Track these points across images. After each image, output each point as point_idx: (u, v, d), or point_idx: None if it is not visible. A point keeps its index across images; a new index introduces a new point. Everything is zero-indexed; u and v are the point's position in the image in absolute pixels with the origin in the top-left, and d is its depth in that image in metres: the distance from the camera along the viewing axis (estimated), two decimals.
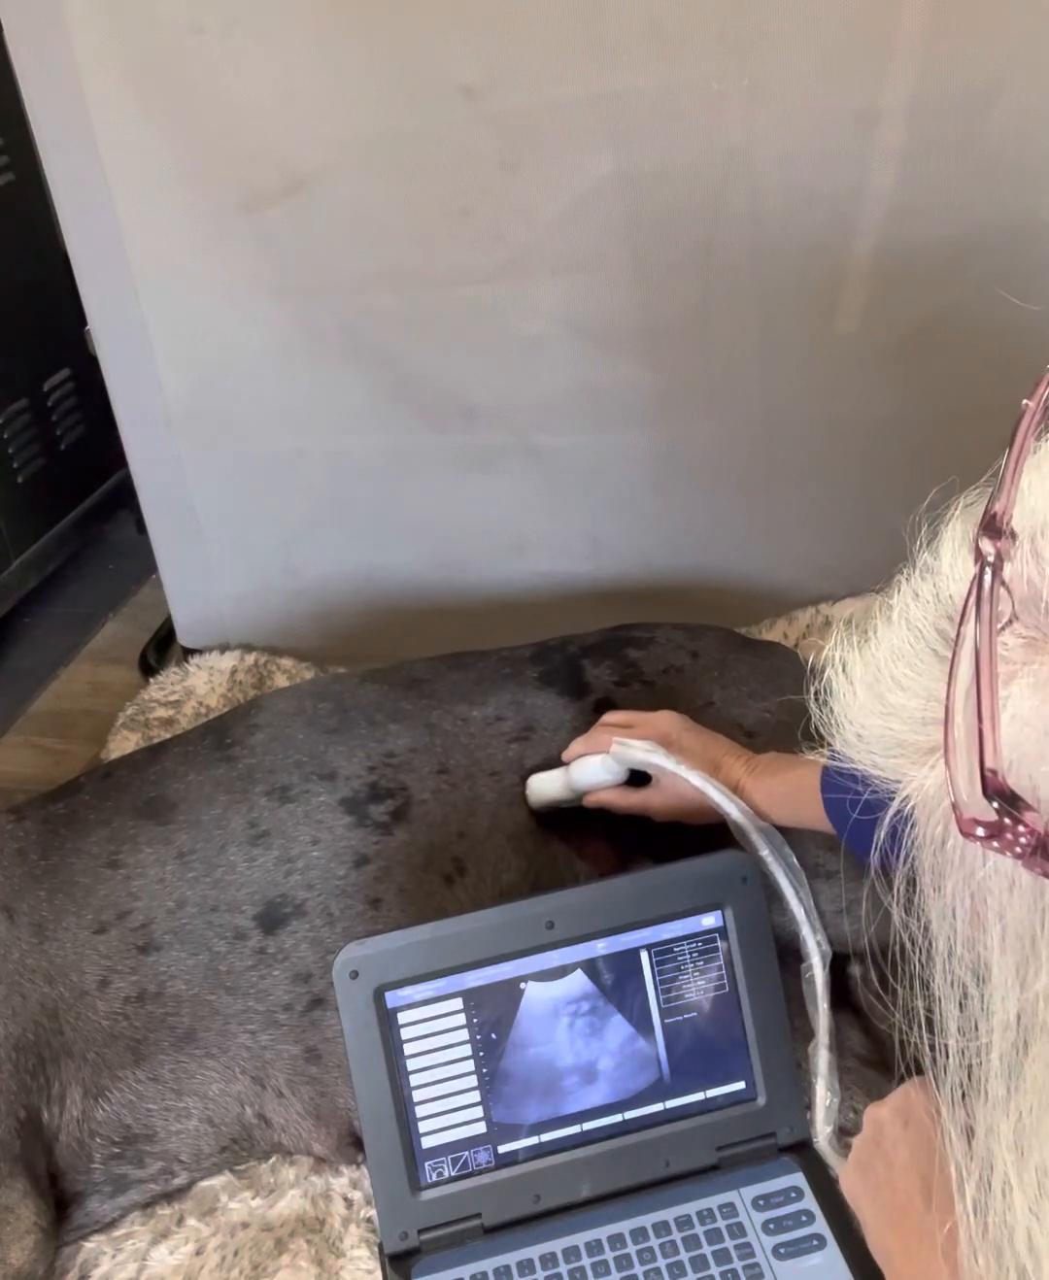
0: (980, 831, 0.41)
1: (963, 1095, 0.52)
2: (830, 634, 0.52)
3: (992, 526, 0.44)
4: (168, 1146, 1.00)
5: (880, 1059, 1.02)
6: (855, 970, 1.06)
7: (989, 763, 0.41)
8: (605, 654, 1.24)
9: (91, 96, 1.28)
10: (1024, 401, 0.49)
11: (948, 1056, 0.52)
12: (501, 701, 1.19)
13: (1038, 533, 0.44)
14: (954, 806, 0.42)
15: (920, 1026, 0.53)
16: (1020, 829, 0.41)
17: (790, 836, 1.01)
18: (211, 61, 1.24)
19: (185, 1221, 1.00)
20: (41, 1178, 0.97)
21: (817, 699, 0.51)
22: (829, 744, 0.51)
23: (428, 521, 1.58)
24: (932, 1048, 0.52)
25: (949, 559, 0.48)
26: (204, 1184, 1.03)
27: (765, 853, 0.98)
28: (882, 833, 0.49)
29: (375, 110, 1.26)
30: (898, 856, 0.50)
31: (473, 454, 1.51)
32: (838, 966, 1.04)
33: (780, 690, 1.15)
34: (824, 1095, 0.95)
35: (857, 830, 0.75)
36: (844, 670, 0.50)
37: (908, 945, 0.51)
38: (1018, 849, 0.41)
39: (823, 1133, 0.94)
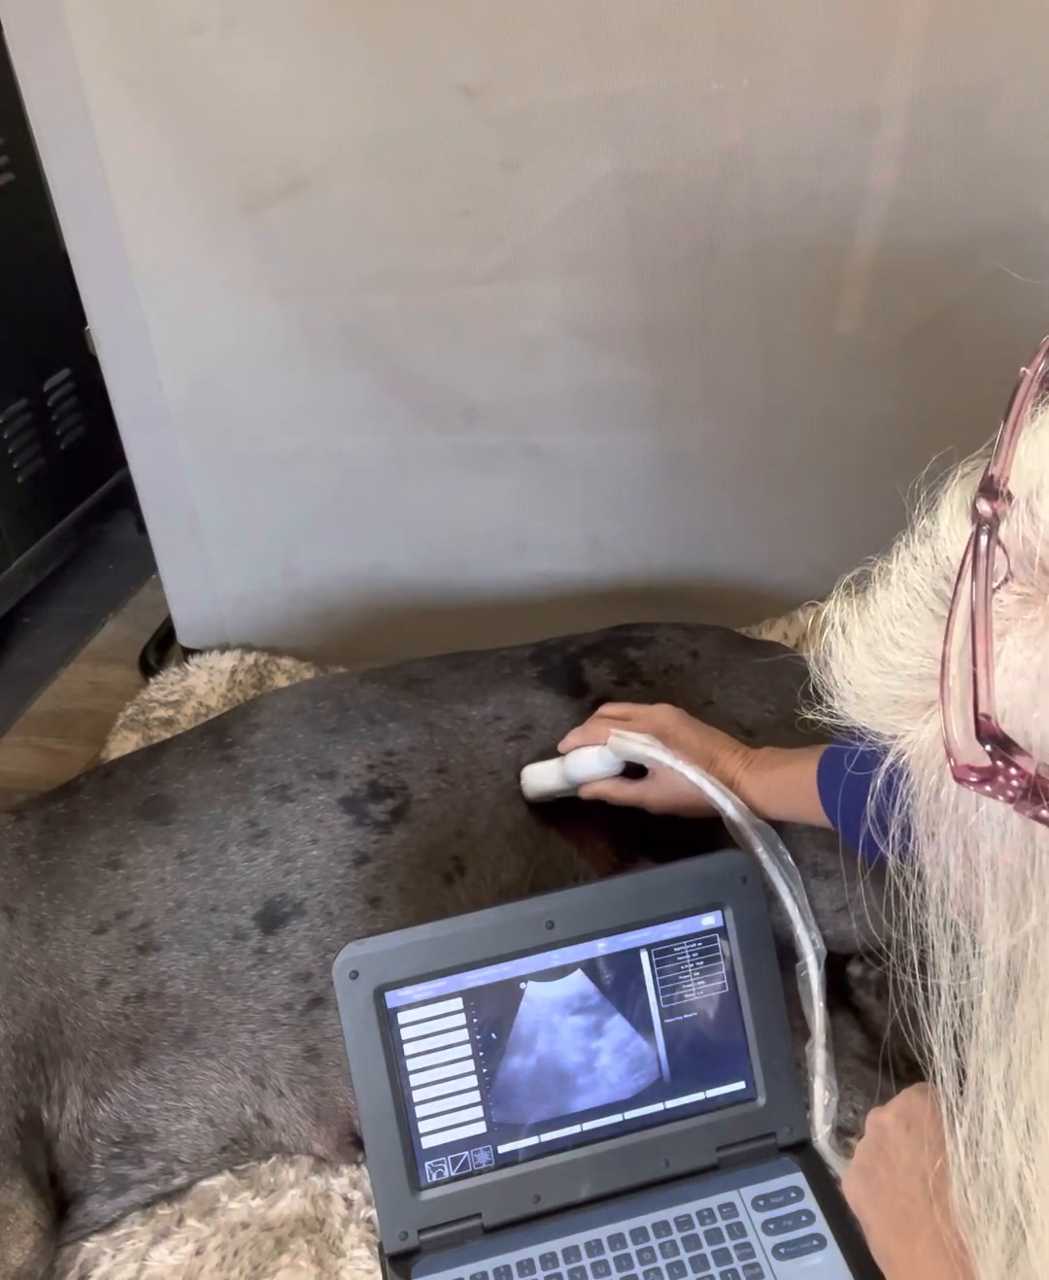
0: (974, 777, 0.43)
1: (955, 1037, 0.53)
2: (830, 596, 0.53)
3: (989, 489, 0.46)
4: (168, 1146, 1.00)
5: (882, 1059, 1.02)
6: (855, 970, 1.06)
7: (983, 708, 0.43)
8: (605, 654, 1.24)
9: (91, 96, 1.28)
10: (1022, 369, 0.50)
11: (940, 998, 0.53)
12: (501, 701, 1.19)
13: (1033, 494, 0.45)
14: (948, 754, 0.44)
15: (913, 969, 0.54)
16: (1012, 772, 0.42)
17: (788, 836, 1.01)
18: (211, 61, 1.24)
19: (185, 1221, 1.00)
20: (41, 1177, 0.97)
21: (817, 661, 0.52)
22: (826, 704, 0.52)
23: (428, 521, 1.58)
24: (925, 989, 0.53)
25: (947, 523, 0.49)
26: (204, 1184, 1.03)
27: (760, 850, 0.98)
28: (878, 781, 0.50)
29: (375, 110, 1.26)
30: (893, 807, 0.51)
31: (473, 454, 1.51)
32: (838, 966, 1.04)
33: (780, 690, 1.15)
34: (822, 1093, 0.95)
35: (850, 819, 0.76)
36: (843, 632, 0.51)
37: (902, 891, 0.53)
38: (1010, 793, 0.42)
39: (822, 1131, 0.94)
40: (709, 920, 0.94)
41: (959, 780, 0.43)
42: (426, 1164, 0.91)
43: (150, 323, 1.43)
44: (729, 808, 0.99)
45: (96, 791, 1.14)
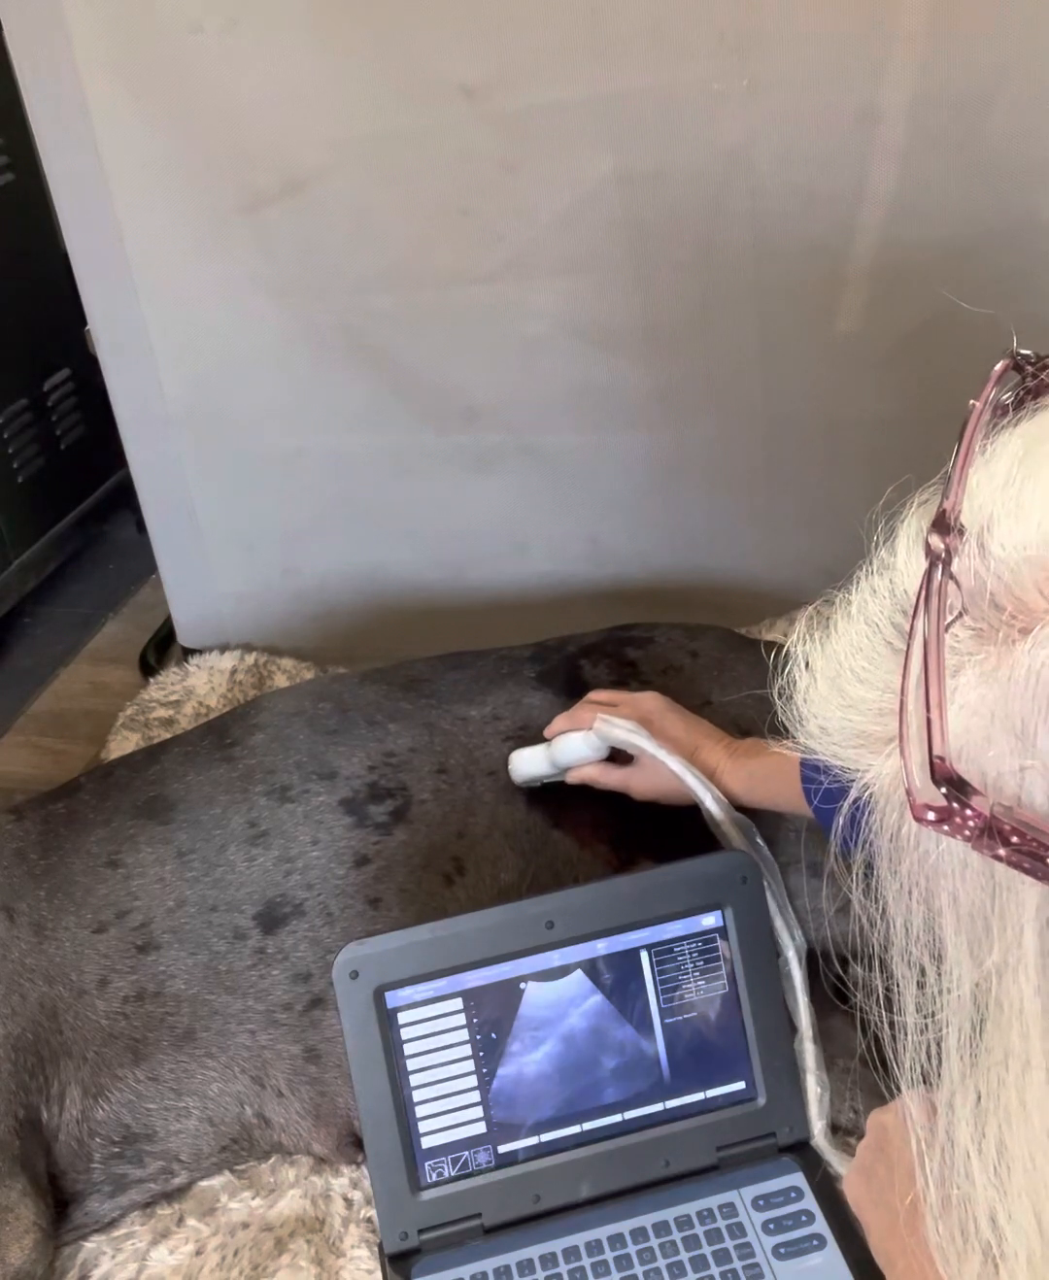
0: (931, 816, 0.43)
1: (922, 1073, 0.53)
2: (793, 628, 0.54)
3: (941, 523, 0.45)
4: (167, 1146, 1.00)
5: (883, 1060, 1.02)
6: (858, 971, 1.06)
7: (937, 750, 0.43)
8: (604, 654, 1.24)
9: (91, 96, 1.28)
10: (971, 401, 0.50)
11: (907, 1035, 0.53)
12: (500, 701, 1.19)
13: (984, 529, 0.45)
14: (908, 793, 0.44)
15: (880, 1005, 0.54)
16: (968, 813, 0.42)
17: (787, 835, 1.01)
18: (211, 61, 1.24)
19: (185, 1221, 1.00)
20: (41, 1177, 0.97)
21: (780, 694, 0.52)
22: (794, 737, 0.52)
23: (428, 521, 1.58)
24: (891, 1026, 0.53)
25: (904, 555, 0.49)
26: (204, 1184, 1.03)
27: (736, 845, 0.98)
28: (842, 820, 0.50)
29: (375, 110, 1.26)
30: (857, 843, 0.51)
31: (473, 454, 1.51)
32: (840, 968, 1.04)
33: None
34: (814, 1088, 0.95)
35: (832, 815, 0.76)
36: (807, 665, 0.51)
37: (867, 927, 0.53)
38: (967, 832, 0.42)
39: (817, 1126, 0.94)
40: (709, 920, 0.94)
41: (918, 819, 0.43)
42: (426, 1164, 0.91)
43: (150, 323, 1.43)
44: (706, 798, 0.99)
45: (96, 791, 1.14)
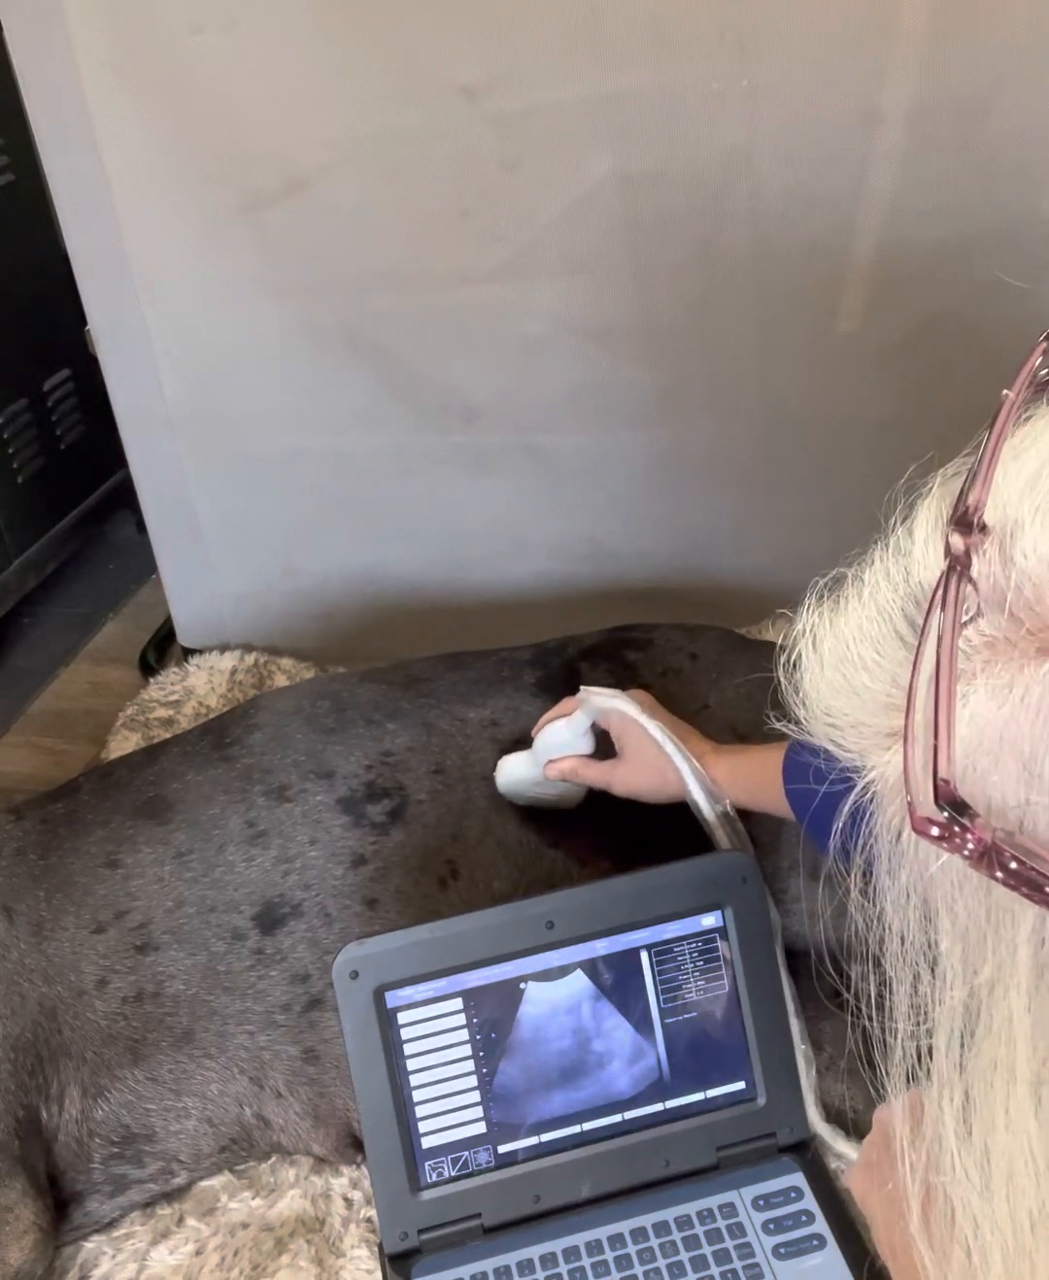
0: (933, 830, 0.42)
1: (910, 1073, 0.53)
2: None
3: (964, 521, 0.44)
4: (167, 1146, 1.00)
5: (871, 1061, 1.02)
6: (857, 972, 1.06)
7: (942, 772, 0.42)
8: (603, 656, 1.24)
9: (91, 96, 1.28)
10: (1004, 392, 0.49)
11: (898, 1038, 0.53)
12: (498, 705, 1.18)
13: (1008, 534, 0.44)
14: (910, 805, 0.43)
15: (870, 1008, 0.54)
16: (969, 835, 0.41)
17: (788, 836, 1.00)
18: (211, 61, 1.24)
19: (185, 1221, 1.00)
20: (41, 1177, 0.97)
21: (786, 672, 0.51)
22: (795, 720, 0.51)
23: (428, 521, 1.58)
24: (883, 1029, 0.53)
25: (922, 541, 0.48)
26: (204, 1184, 1.03)
27: (721, 833, 0.98)
28: (842, 818, 0.50)
29: (375, 110, 1.26)
30: (857, 841, 0.50)
31: (473, 454, 1.51)
32: (837, 968, 1.04)
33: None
34: (800, 1062, 0.95)
35: (817, 818, 0.76)
36: (814, 645, 0.50)
37: (863, 928, 0.52)
38: (966, 852, 0.42)
39: (809, 1105, 0.94)
40: (709, 920, 0.94)
41: (918, 831, 0.43)
42: (426, 1164, 0.90)
43: (150, 323, 1.43)
44: (687, 771, 0.97)
45: (96, 791, 1.14)
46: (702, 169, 1.25)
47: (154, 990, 1.01)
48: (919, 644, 0.45)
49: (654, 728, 0.99)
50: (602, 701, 1.02)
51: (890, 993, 0.52)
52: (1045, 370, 0.50)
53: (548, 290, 1.37)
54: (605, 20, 1.18)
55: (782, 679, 0.51)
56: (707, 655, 1.24)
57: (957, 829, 0.42)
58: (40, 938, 1.02)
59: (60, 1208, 0.99)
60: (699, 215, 1.29)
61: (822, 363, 1.40)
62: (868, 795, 0.49)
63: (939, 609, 0.43)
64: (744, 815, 1.00)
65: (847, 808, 0.50)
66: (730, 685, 1.19)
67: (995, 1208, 0.49)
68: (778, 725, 0.53)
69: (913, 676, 0.44)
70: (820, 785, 0.52)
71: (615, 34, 1.18)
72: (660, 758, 0.99)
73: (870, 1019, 0.54)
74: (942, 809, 0.42)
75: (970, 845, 0.41)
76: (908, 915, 0.49)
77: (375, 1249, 0.94)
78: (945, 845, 0.42)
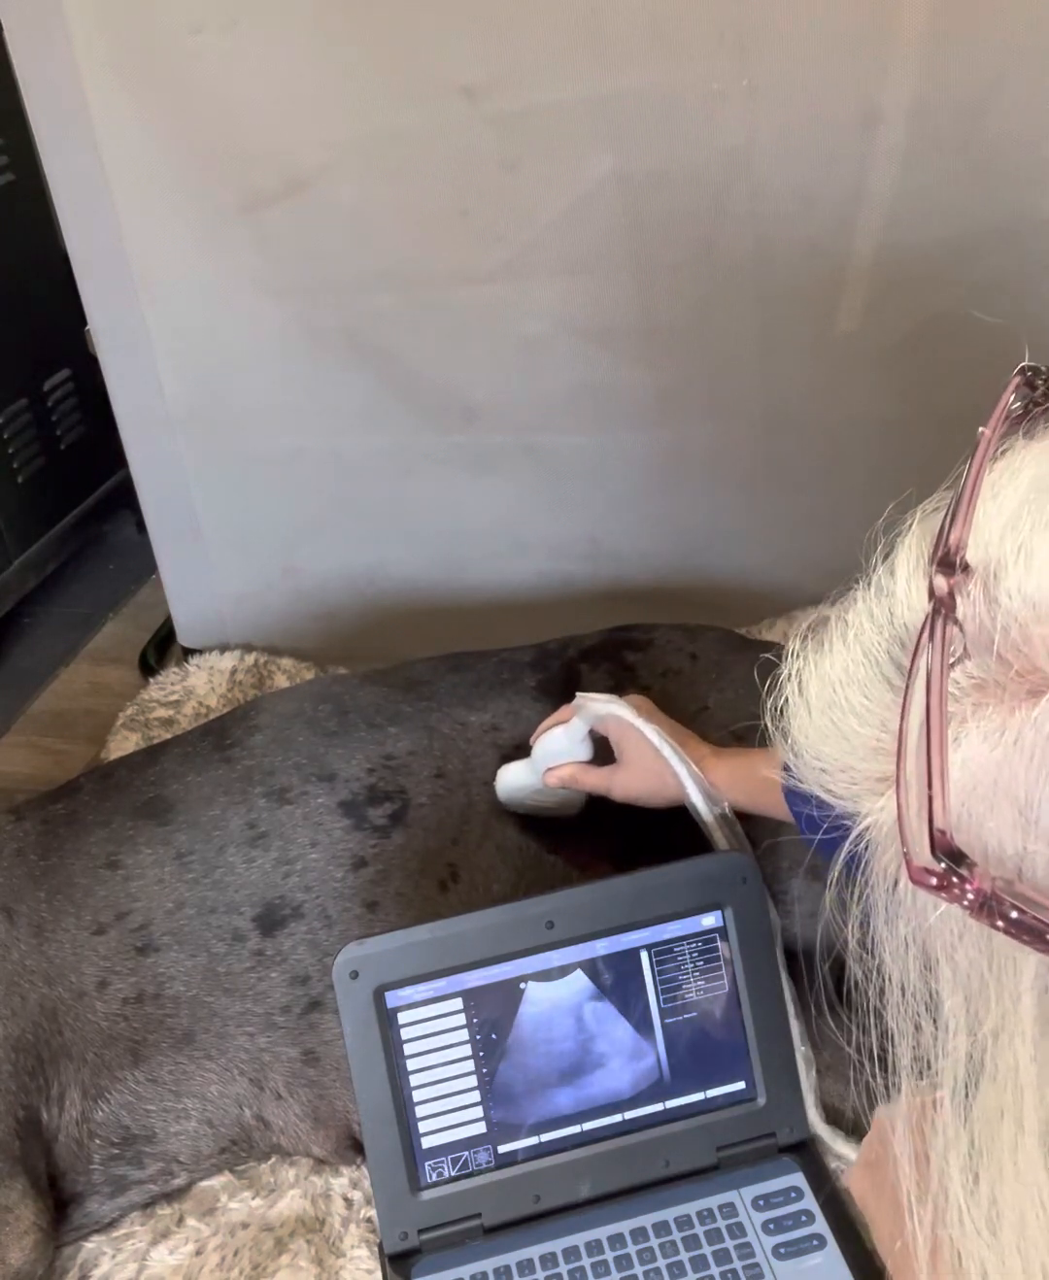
0: (931, 880, 0.42)
1: (915, 1125, 0.52)
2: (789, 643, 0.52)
3: (946, 561, 0.44)
4: (167, 1147, 1.00)
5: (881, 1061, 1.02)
6: (858, 972, 1.06)
7: (938, 823, 0.41)
8: (604, 657, 1.24)
9: (91, 96, 1.27)
10: (980, 429, 0.48)
11: (899, 1091, 0.52)
12: (499, 709, 1.18)
13: (991, 574, 0.43)
14: (905, 856, 0.43)
15: (873, 1059, 0.53)
16: (968, 886, 0.41)
17: (789, 837, 1.00)
18: (211, 61, 1.24)
19: (185, 1221, 1.00)
20: (41, 1178, 0.97)
21: (773, 715, 0.50)
22: (787, 768, 0.51)
23: (428, 521, 1.58)
24: (886, 1085, 0.53)
25: (904, 581, 0.47)
26: (204, 1184, 1.03)
27: (720, 836, 0.98)
28: (836, 871, 0.49)
29: (375, 110, 1.26)
30: (854, 895, 0.50)
31: (473, 454, 1.51)
32: (842, 969, 1.04)
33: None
34: (800, 1062, 0.95)
35: (824, 845, 0.76)
36: (800, 689, 0.49)
37: (862, 979, 0.52)
38: (966, 903, 0.41)
39: (809, 1105, 0.94)
40: (709, 920, 0.94)
41: (916, 882, 0.42)
42: (426, 1164, 0.91)
43: (150, 323, 1.43)
44: (685, 775, 0.97)
45: (96, 792, 1.14)
46: (702, 169, 1.25)
47: (154, 992, 1.01)
48: (907, 687, 0.44)
49: (651, 732, 0.99)
50: (599, 707, 1.01)
51: (892, 1044, 0.52)
52: (1020, 405, 0.49)
53: (548, 290, 1.37)
54: (605, 20, 1.18)
55: (771, 726, 0.51)
56: (706, 656, 1.24)
57: (955, 879, 0.41)
58: (41, 939, 1.02)
59: (60, 1208, 0.99)
60: (699, 215, 1.29)
61: (822, 363, 1.40)
62: (862, 844, 0.48)
63: (926, 652, 0.43)
64: (743, 817, 1.00)
65: (842, 854, 0.49)
66: (730, 686, 1.19)
67: (1006, 1260, 0.48)
68: (769, 772, 0.52)
69: (903, 721, 0.43)
70: (814, 833, 0.52)
71: (615, 34, 1.18)
72: (659, 762, 0.98)
73: (867, 1025, 0.54)
74: (939, 859, 0.41)
75: (970, 896, 0.41)
76: (908, 965, 0.48)
77: (375, 1249, 0.94)
78: (944, 896, 0.41)
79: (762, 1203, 0.91)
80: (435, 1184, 0.91)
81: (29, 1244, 0.93)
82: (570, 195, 1.29)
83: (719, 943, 0.94)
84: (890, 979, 0.50)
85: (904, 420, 1.42)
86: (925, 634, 0.43)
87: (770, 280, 1.34)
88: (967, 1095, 0.48)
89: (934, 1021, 0.49)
